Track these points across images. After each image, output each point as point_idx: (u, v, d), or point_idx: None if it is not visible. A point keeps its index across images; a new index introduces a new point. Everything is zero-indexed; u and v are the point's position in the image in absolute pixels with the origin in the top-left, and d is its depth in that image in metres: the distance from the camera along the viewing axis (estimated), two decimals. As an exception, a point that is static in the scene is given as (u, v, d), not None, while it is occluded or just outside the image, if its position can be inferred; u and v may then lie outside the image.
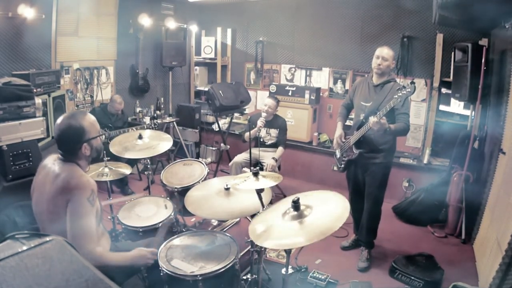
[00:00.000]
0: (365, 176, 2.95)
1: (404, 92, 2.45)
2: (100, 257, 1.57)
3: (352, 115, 3.17)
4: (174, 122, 5.11)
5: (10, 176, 2.78)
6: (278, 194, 4.16)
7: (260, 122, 3.74)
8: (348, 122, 3.23)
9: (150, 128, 4.06)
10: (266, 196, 2.14)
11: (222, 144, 4.74)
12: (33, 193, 1.72)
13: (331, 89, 5.00)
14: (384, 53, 2.75)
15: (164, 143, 2.94)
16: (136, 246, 2.01)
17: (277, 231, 1.63)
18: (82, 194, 1.55)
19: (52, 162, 1.70)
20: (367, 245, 3.04)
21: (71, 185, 1.55)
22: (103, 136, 1.79)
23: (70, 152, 1.68)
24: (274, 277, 2.71)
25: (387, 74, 2.82)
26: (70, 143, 1.66)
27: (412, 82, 2.47)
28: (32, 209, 1.72)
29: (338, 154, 3.10)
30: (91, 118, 1.75)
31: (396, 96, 2.48)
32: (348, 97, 3.17)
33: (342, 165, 3.03)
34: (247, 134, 3.82)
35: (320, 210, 1.66)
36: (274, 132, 4.03)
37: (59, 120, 1.68)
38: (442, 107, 4.20)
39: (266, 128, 4.05)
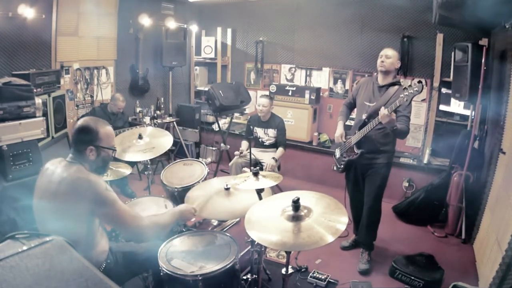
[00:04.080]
0: (365, 177, 2.93)
1: (411, 91, 2.39)
2: (148, 228, 1.72)
3: (353, 115, 3.16)
4: (174, 122, 5.11)
5: (10, 176, 2.78)
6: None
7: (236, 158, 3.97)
8: (348, 122, 3.21)
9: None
10: (266, 196, 2.14)
11: (222, 144, 4.74)
12: (35, 195, 1.71)
13: (331, 89, 5.00)
14: (387, 51, 2.74)
15: (165, 138, 2.92)
16: (138, 248, 2.01)
17: (272, 227, 1.66)
18: (99, 189, 1.59)
19: (55, 165, 1.69)
20: (367, 247, 3.01)
21: (83, 187, 1.57)
22: (114, 153, 1.84)
23: (77, 151, 1.70)
24: (274, 277, 2.71)
25: (392, 75, 2.79)
26: (79, 142, 1.70)
27: (420, 82, 2.41)
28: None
29: (337, 154, 3.08)
30: (110, 130, 1.79)
31: (403, 95, 2.42)
32: (350, 96, 3.12)
33: (342, 166, 3.00)
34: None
35: (318, 218, 1.66)
36: (272, 132, 4.02)
37: (82, 119, 1.77)
38: (442, 107, 4.20)
39: (263, 129, 4.05)
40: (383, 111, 2.47)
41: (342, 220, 1.64)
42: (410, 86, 2.42)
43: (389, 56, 2.73)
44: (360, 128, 2.79)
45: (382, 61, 2.74)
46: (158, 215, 1.88)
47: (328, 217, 1.66)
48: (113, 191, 1.66)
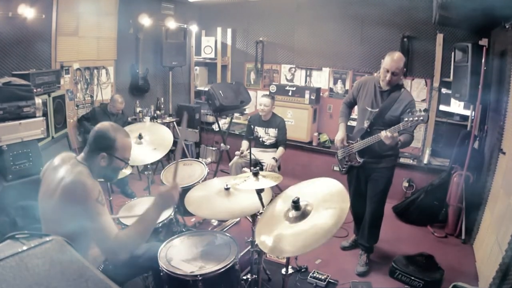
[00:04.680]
0: (368, 181, 2.88)
1: (416, 118, 2.35)
2: (123, 240, 1.54)
3: (353, 116, 3.13)
4: (174, 122, 5.11)
5: (10, 176, 2.78)
6: (278, 194, 4.15)
7: (235, 158, 3.97)
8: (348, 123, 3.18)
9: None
10: (266, 196, 2.14)
11: (222, 144, 4.74)
12: (40, 191, 1.71)
13: (331, 89, 5.00)
14: (394, 67, 2.52)
15: (165, 134, 2.92)
16: (138, 250, 1.99)
17: (288, 238, 1.59)
18: (91, 197, 1.53)
19: (63, 162, 1.68)
20: (367, 250, 2.99)
21: (78, 190, 1.53)
22: (126, 165, 1.80)
23: (89, 153, 1.68)
24: (274, 277, 2.71)
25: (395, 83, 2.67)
26: (94, 145, 1.67)
27: (426, 110, 2.40)
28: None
29: (340, 156, 3.02)
30: (128, 142, 1.75)
31: (407, 119, 2.38)
32: (351, 94, 2.99)
33: (344, 168, 2.96)
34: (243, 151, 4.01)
35: (320, 206, 1.65)
36: (272, 132, 4.02)
37: (104, 122, 1.73)
38: (442, 107, 4.20)
39: (264, 128, 4.05)
40: (385, 133, 2.43)
41: (344, 205, 1.60)
42: (416, 111, 2.39)
43: (396, 73, 2.53)
44: (362, 137, 2.73)
45: (389, 80, 2.56)
46: (135, 224, 1.63)
47: (329, 205, 1.63)
48: (105, 204, 1.60)
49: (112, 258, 1.62)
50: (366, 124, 2.75)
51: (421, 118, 2.34)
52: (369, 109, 2.75)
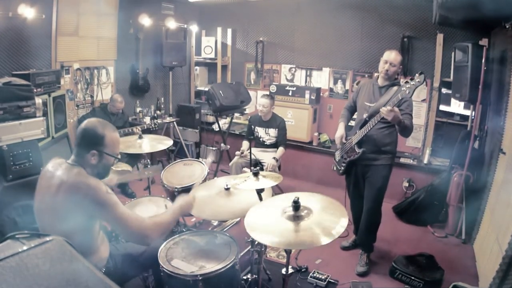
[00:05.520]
0: (365, 179, 2.90)
1: (413, 83, 2.37)
2: (151, 229, 1.65)
3: (354, 117, 3.14)
4: (174, 122, 5.11)
5: (10, 176, 2.78)
6: (278, 194, 4.15)
7: (236, 158, 3.99)
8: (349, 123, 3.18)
9: (150, 128, 4.09)
10: (267, 196, 2.14)
11: (222, 144, 4.74)
12: (36, 198, 1.68)
13: (331, 89, 5.00)
14: (392, 59, 2.70)
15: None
16: (138, 249, 2.00)
17: (274, 228, 1.66)
18: (100, 192, 1.53)
19: (56, 167, 1.65)
20: (366, 249, 3.00)
21: (83, 190, 1.52)
22: (116, 160, 1.79)
23: (79, 153, 1.66)
24: (274, 277, 2.71)
25: (393, 77, 2.79)
26: (83, 144, 1.65)
27: (421, 73, 2.39)
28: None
29: (337, 157, 3.05)
30: (117, 137, 1.74)
31: (405, 89, 2.41)
32: (351, 99, 3.08)
33: (342, 168, 2.97)
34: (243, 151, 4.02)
35: (318, 217, 1.66)
36: (273, 132, 4.03)
37: (90, 119, 1.71)
38: (442, 107, 4.20)
39: (265, 128, 4.05)
40: (385, 108, 2.45)
41: (341, 222, 1.63)
42: (412, 78, 2.41)
43: (394, 65, 2.71)
44: (361, 127, 2.77)
45: (387, 70, 2.72)
46: (159, 214, 1.83)
47: (327, 219, 1.65)
48: (114, 194, 1.61)
49: (142, 240, 1.67)
50: (365, 115, 2.79)
51: (418, 80, 2.37)
52: (368, 103, 2.82)
